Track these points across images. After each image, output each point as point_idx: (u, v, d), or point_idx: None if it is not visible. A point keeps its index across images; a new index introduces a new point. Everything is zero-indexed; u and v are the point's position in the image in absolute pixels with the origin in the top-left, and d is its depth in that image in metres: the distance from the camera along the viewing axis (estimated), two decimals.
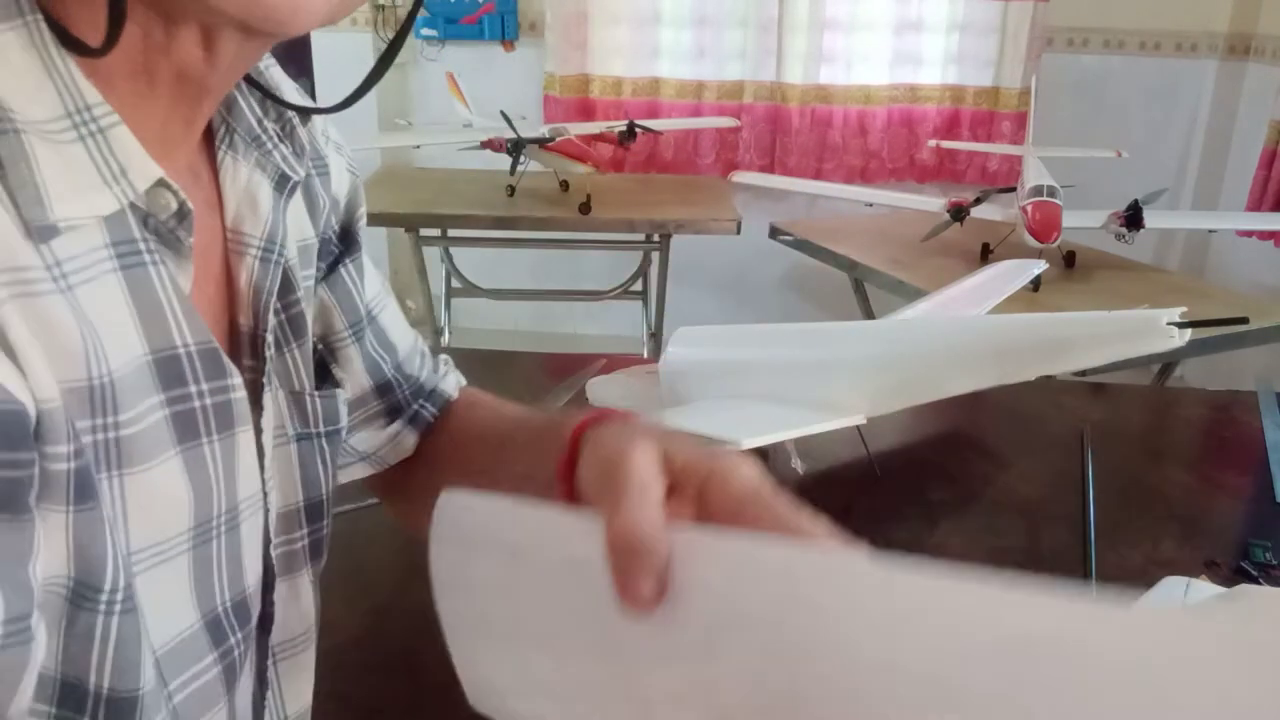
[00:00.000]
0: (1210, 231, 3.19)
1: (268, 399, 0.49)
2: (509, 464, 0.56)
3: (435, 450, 0.67)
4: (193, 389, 0.42)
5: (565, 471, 0.43)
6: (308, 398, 0.53)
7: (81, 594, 0.38)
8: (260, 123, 0.50)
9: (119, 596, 0.39)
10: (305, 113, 0.53)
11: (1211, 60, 3.52)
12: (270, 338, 0.49)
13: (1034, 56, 3.56)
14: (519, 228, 2.83)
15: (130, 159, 0.39)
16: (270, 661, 0.52)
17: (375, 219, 2.84)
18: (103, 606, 0.38)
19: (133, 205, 0.40)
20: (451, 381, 0.70)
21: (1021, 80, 3.55)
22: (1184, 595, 0.84)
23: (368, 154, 3.52)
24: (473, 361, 1.65)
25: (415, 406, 0.67)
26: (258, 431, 0.48)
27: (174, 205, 0.41)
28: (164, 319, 0.41)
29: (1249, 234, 3.27)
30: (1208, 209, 3.55)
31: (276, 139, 0.51)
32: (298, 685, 0.55)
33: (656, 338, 3.08)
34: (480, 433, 0.64)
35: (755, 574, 0.34)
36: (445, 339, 3.22)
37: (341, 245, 0.59)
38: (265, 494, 0.49)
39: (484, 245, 3.12)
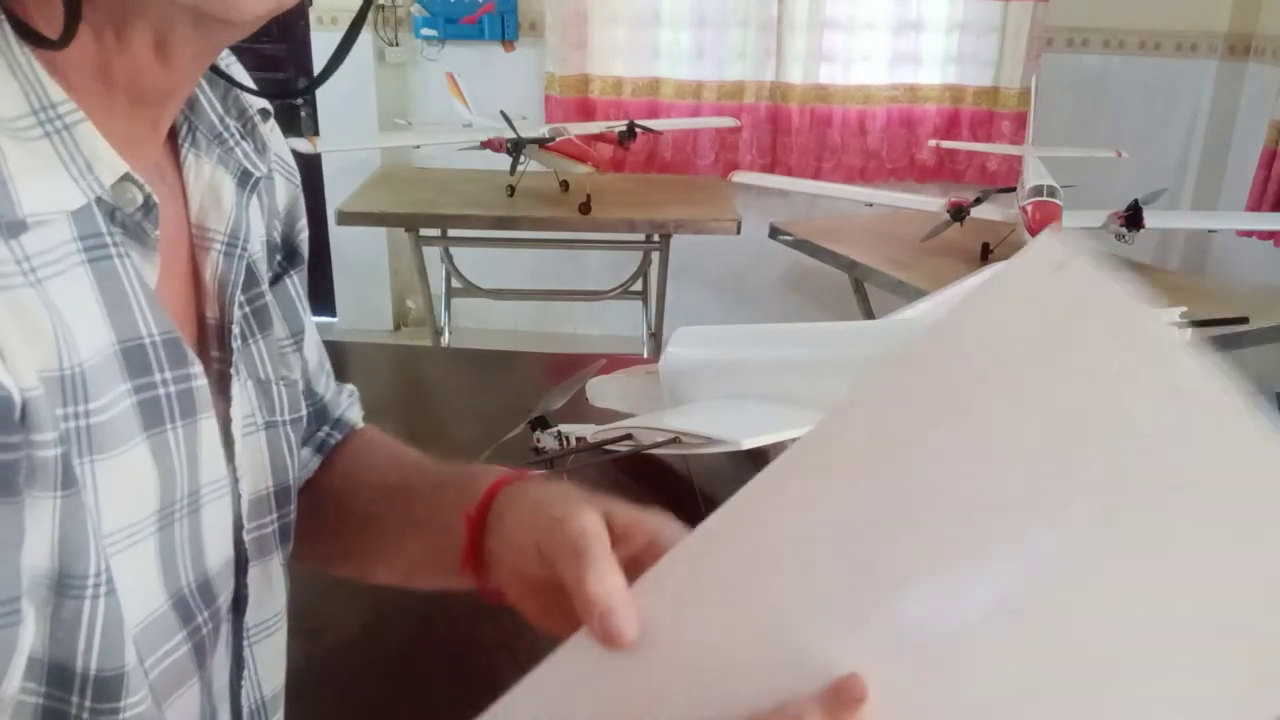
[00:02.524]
0: (1210, 231, 3.18)
1: (236, 389, 0.50)
2: (403, 509, 0.58)
3: (323, 485, 0.65)
4: (157, 377, 0.44)
5: (475, 521, 0.50)
6: (273, 386, 0.54)
7: (66, 583, 0.39)
8: (222, 120, 0.51)
9: (102, 579, 0.40)
10: (282, 96, 0.54)
11: (1211, 60, 3.52)
12: (236, 329, 0.50)
13: (1034, 56, 3.55)
14: (519, 228, 2.83)
15: (96, 154, 0.40)
16: (246, 642, 0.54)
17: (375, 219, 2.87)
18: (89, 591, 0.39)
19: (99, 200, 0.41)
20: (356, 413, 0.70)
21: (1021, 80, 3.55)
22: None
23: (368, 154, 3.52)
24: (473, 361, 1.65)
25: (322, 431, 0.66)
26: (225, 420, 0.49)
27: (140, 199, 0.42)
28: (130, 310, 0.42)
29: (1249, 234, 3.27)
30: (1208, 209, 3.55)
31: (238, 136, 0.52)
32: (272, 666, 0.57)
33: (656, 338, 3.08)
34: (374, 476, 0.64)
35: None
36: (445, 339, 3.22)
37: (285, 257, 0.60)
38: (236, 480, 0.50)
39: (484, 245, 3.12)
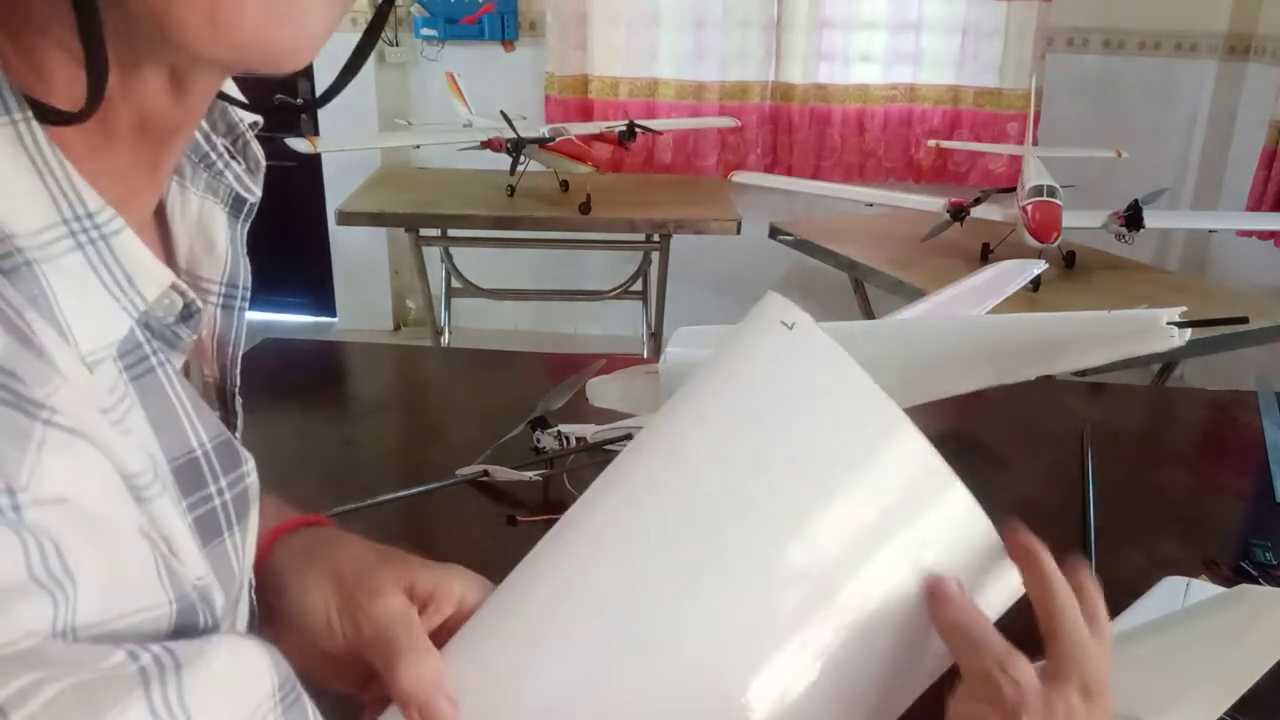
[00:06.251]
0: (1210, 231, 3.18)
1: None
2: None
3: None
4: (212, 488, 0.38)
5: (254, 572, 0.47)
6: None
7: None
8: (208, 138, 0.44)
9: None
10: (285, 110, 0.49)
11: (1211, 60, 3.52)
12: (238, 391, 0.45)
13: (1039, 58, 3.55)
14: (519, 228, 2.83)
15: (137, 265, 0.34)
16: None
17: (375, 219, 2.87)
18: None
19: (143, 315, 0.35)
20: None
21: (1026, 81, 3.55)
22: (1184, 595, 0.84)
23: (368, 154, 3.52)
24: (473, 361, 1.65)
25: None
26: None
27: (180, 304, 0.36)
28: (179, 423, 0.37)
29: (1249, 234, 3.27)
30: (1208, 209, 3.55)
31: (228, 156, 0.45)
32: None
33: (656, 338, 3.08)
34: None
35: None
36: (445, 339, 3.22)
37: None
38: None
39: (484, 245, 3.12)
